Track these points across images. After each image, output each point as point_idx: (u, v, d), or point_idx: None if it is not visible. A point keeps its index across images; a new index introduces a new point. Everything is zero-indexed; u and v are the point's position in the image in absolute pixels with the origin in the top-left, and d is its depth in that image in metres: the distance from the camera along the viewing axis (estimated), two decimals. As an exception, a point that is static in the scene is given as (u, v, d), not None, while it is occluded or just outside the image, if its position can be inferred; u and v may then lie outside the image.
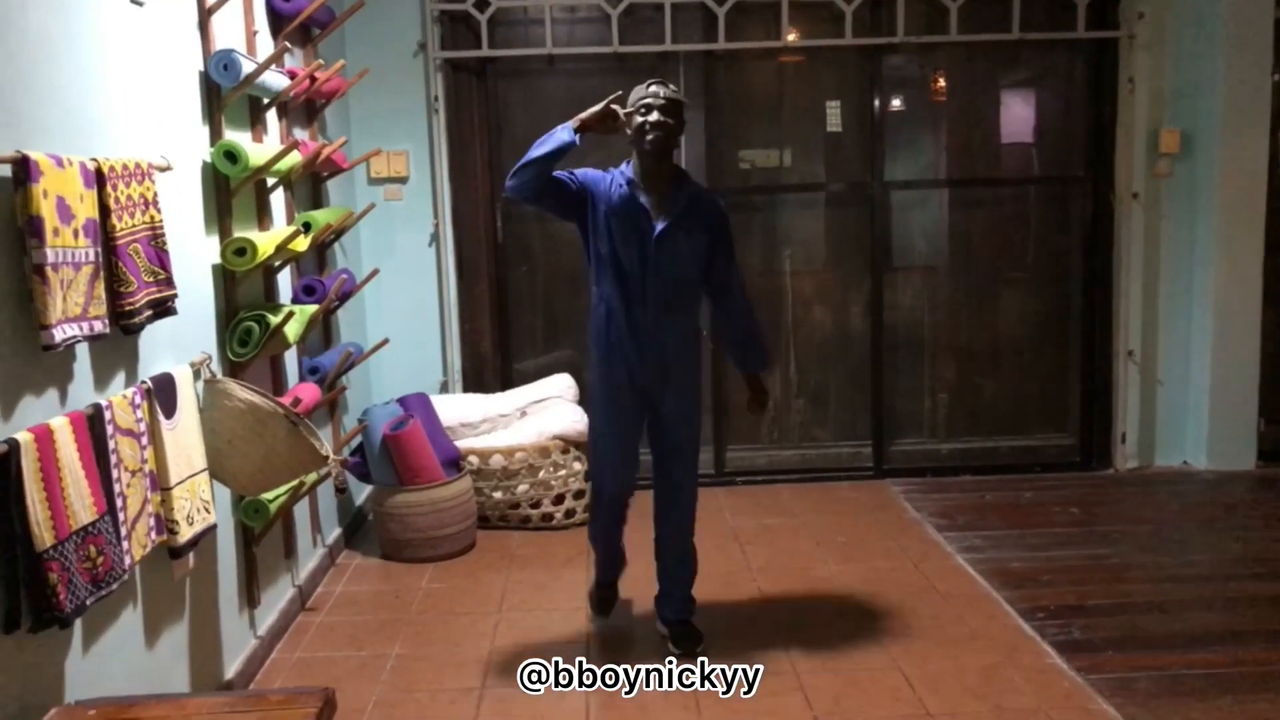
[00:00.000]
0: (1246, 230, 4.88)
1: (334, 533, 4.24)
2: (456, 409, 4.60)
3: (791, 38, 4.89)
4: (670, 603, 3.40)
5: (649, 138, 3.12)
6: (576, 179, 3.19)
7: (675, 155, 3.35)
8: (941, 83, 5.17)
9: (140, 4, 2.59)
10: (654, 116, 3.11)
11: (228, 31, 3.21)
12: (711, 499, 4.74)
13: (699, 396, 3.36)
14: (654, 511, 3.39)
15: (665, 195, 3.18)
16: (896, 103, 5.12)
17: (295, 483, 3.18)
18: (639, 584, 3.62)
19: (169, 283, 2.51)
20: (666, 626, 3.38)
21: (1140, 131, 4.91)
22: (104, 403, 2.21)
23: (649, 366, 3.22)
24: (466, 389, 4.98)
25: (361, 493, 4.69)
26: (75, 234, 2.08)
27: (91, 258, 2.15)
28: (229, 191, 3.09)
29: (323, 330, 4.17)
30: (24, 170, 1.93)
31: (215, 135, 3.06)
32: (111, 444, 2.20)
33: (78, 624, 2.15)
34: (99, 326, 2.17)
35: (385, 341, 4.27)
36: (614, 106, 3.10)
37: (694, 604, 3.41)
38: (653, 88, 3.16)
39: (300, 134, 3.95)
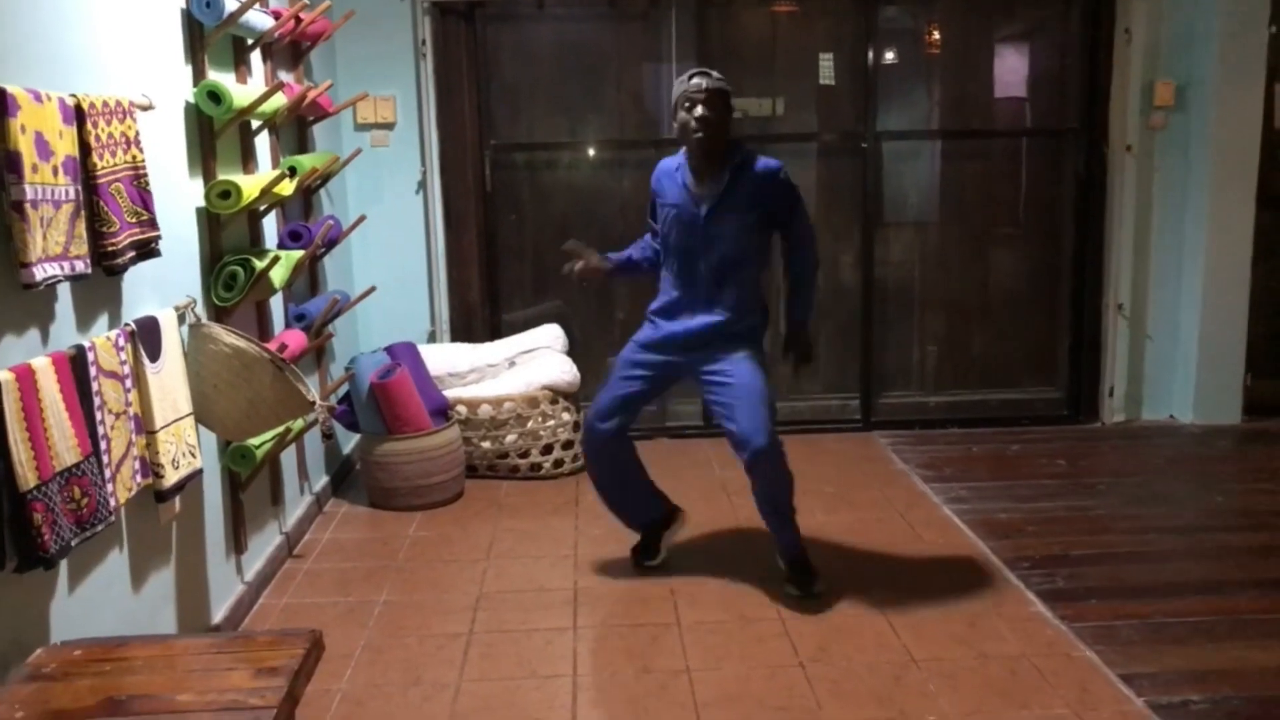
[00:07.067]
0: (1238, 185, 4.85)
1: (321, 480, 4.24)
2: (444, 359, 4.59)
3: (785, -15, 4.82)
4: (777, 546, 3.40)
5: (695, 136, 3.13)
6: (652, 199, 3.35)
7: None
8: (935, 35, 5.11)
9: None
10: (699, 111, 3.12)
11: (210, -32, 3.13)
12: (698, 450, 4.78)
13: (752, 360, 3.26)
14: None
15: (715, 177, 3.21)
16: (890, 55, 5.07)
17: (282, 429, 3.16)
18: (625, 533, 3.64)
19: (152, 224, 2.48)
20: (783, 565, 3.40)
21: (1135, 83, 4.86)
22: (87, 344, 2.18)
23: (692, 339, 3.29)
24: (454, 339, 4.95)
25: (349, 441, 4.68)
26: (54, 171, 2.04)
27: (72, 195, 2.12)
28: (213, 133, 3.04)
29: (309, 277, 4.13)
30: (1, 104, 1.89)
31: (198, 75, 3.00)
32: (95, 385, 2.18)
33: (64, 566, 2.14)
34: (80, 266, 2.14)
35: (372, 289, 4.24)
36: (600, 264, 3.41)
37: (797, 542, 3.35)
38: (695, 79, 3.14)
39: (285, 76, 3.88)
